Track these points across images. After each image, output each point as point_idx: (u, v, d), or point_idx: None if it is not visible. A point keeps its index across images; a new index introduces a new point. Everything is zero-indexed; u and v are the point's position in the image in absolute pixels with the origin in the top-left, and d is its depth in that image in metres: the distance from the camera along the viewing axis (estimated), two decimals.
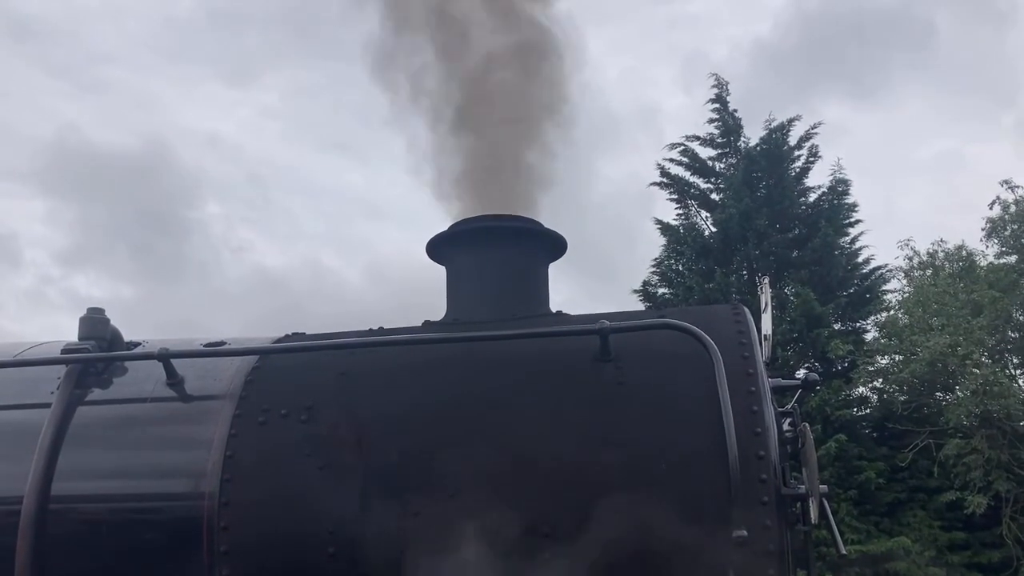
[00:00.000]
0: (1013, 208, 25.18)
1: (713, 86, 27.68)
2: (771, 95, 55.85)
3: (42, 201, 57.96)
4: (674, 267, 27.19)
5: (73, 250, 52.77)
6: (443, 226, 5.18)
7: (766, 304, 5.15)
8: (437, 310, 5.16)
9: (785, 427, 4.91)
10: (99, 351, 4.81)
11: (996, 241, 25.75)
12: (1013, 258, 25.26)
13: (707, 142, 27.64)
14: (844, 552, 4.80)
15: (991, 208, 25.72)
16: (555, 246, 5.27)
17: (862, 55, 54.44)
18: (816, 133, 26.70)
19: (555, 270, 5.36)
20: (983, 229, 25.85)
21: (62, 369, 4.72)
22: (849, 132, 51.76)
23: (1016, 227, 25.09)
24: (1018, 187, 25.23)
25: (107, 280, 53.23)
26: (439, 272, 5.32)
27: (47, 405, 4.56)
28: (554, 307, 5.15)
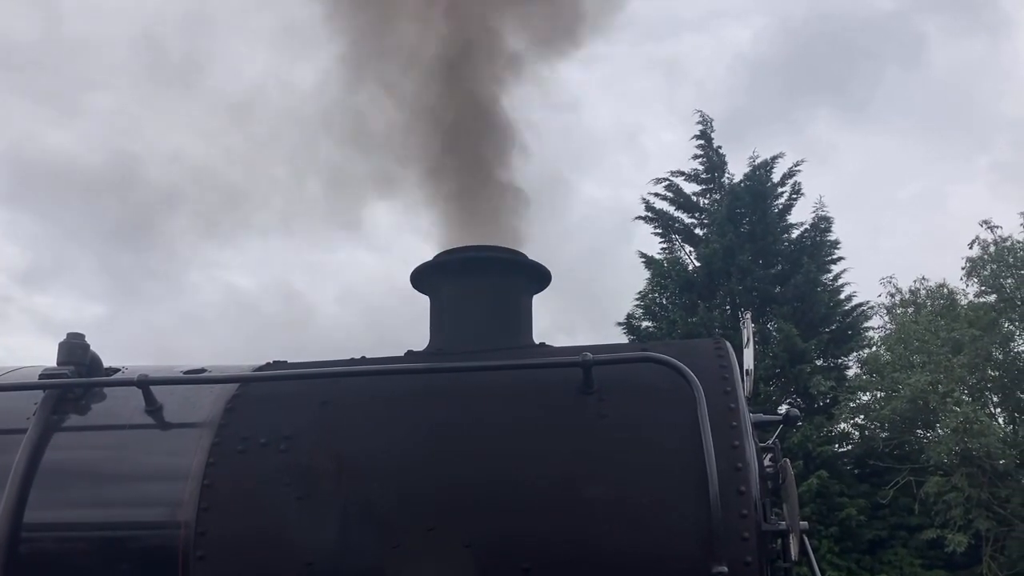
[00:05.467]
0: (992, 248, 25.50)
1: (698, 123, 28.12)
2: (757, 110, 56.24)
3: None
4: (658, 301, 27.35)
5: (35, 268, 51.34)
6: (425, 255, 5.19)
7: (748, 339, 5.17)
8: (414, 339, 5.13)
9: (766, 462, 4.91)
10: (78, 377, 4.76)
11: (976, 280, 26.04)
12: (992, 297, 25.53)
13: (691, 178, 28.01)
14: None
15: (971, 247, 26.09)
16: (539, 277, 5.28)
17: (849, 66, 55.02)
18: (799, 170, 27.09)
19: (537, 299, 5.38)
20: (963, 268, 26.19)
21: (39, 395, 4.66)
22: (836, 149, 52.04)
23: (995, 267, 25.39)
24: (997, 227, 25.62)
25: (72, 299, 51.79)
26: (416, 300, 5.31)
27: (23, 431, 4.50)
28: (536, 338, 5.15)
